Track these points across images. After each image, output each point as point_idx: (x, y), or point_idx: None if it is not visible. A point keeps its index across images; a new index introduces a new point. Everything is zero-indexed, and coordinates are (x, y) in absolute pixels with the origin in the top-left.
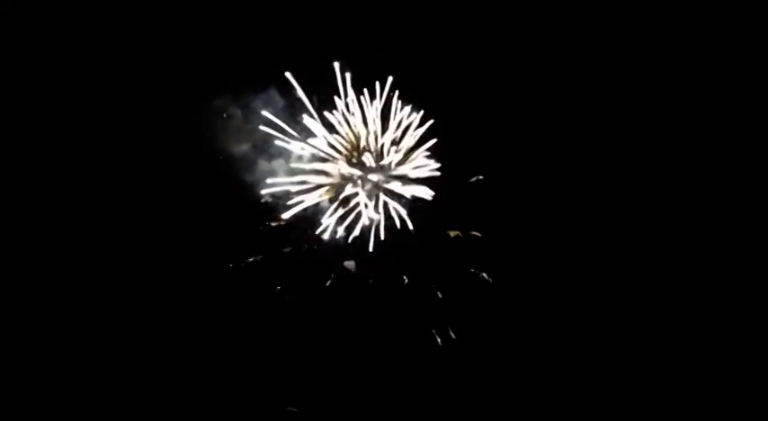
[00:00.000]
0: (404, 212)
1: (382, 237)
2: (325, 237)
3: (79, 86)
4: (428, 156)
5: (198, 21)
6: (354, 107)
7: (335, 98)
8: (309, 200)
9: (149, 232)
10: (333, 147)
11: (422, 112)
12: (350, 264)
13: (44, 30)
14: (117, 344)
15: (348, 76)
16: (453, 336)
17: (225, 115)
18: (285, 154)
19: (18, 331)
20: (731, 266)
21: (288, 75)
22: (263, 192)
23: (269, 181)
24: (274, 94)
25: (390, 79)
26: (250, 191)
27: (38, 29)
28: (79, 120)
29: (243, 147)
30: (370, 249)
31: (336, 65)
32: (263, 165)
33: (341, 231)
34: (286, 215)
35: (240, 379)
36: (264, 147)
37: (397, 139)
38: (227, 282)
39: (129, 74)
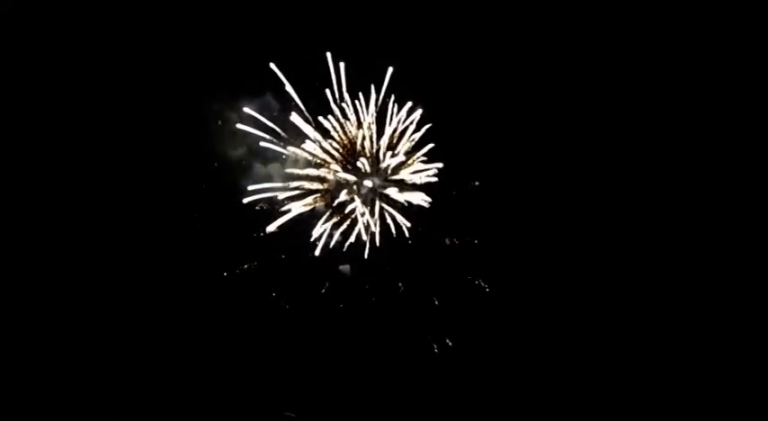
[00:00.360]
0: (400, 218)
1: (378, 244)
2: (320, 243)
3: (76, 90)
4: (425, 161)
5: (194, 26)
6: (349, 111)
7: (331, 102)
8: (304, 206)
9: (144, 238)
10: (327, 152)
11: (418, 115)
12: (345, 268)
13: (44, 30)
14: (116, 348)
15: (343, 78)
16: (450, 344)
17: (219, 121)
18: (280, 158)
19: (18, 331)
20: (730, 279)
21: (272, 65)
22: (254, 198)
23: (262, 187)
24: (270, 99)
25: (390, 70)
26: (245, 196)
27: (38, 29)
28: (75, 124)
29: (238, 153)
30: (366, 256)
31: (332, 67)
32: (258, 169)
33: (336, 237)
34: (273, 226)
35: (238, 385)
36: (260, 152)
37: (394, 143)
38: (223, 289)
39: (125, 78)
